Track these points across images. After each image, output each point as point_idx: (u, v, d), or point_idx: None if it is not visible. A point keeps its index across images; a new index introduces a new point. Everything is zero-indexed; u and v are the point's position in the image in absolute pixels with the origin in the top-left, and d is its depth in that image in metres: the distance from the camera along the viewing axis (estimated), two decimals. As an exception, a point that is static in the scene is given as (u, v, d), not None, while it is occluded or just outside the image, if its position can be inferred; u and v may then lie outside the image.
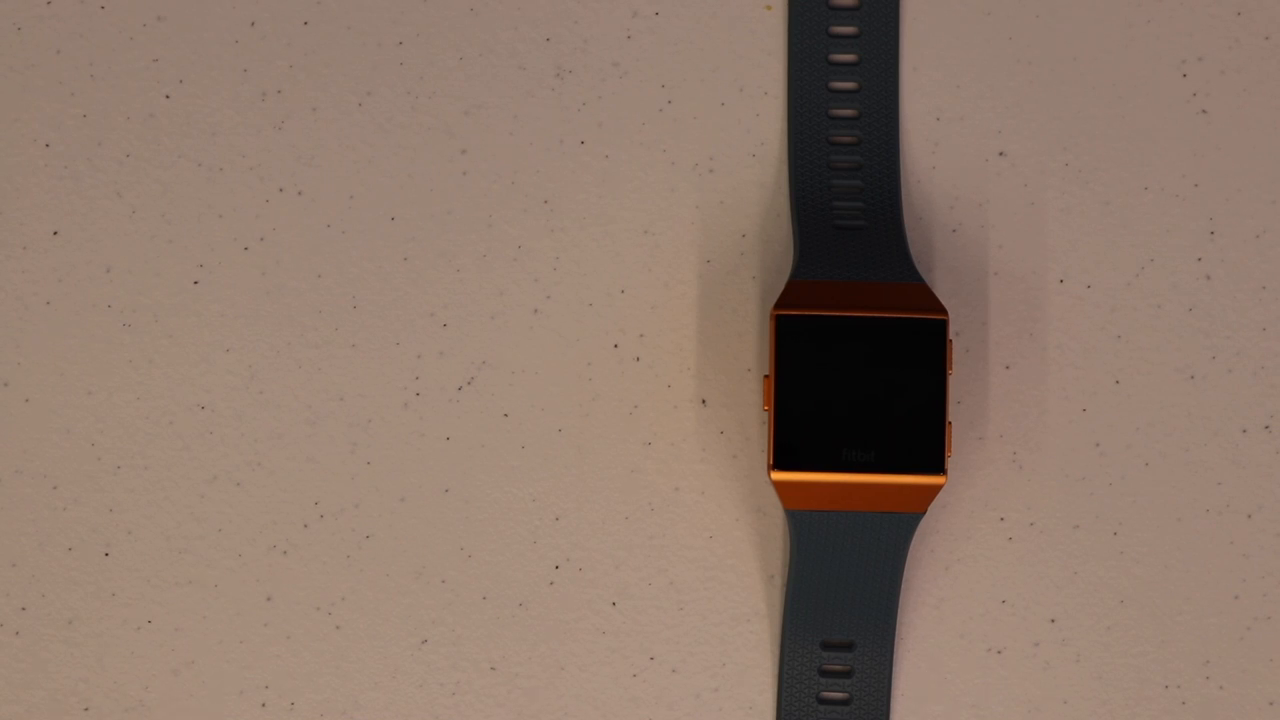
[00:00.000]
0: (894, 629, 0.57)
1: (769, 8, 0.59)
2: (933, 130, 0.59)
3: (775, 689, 0.58)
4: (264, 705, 0.58)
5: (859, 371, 0.54)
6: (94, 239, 0.58)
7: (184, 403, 0.58)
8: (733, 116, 0.59)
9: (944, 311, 0.55)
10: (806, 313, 0.55)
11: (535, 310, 0.58)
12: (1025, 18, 0.59)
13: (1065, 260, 0.58)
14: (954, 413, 0.58)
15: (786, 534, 0.58)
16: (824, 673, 0.57)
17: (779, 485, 0.54)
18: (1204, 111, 0.59)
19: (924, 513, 0.55)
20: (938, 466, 0.54)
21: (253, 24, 0.59)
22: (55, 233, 0.58)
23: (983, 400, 0.58)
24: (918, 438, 0.54)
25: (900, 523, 0.55)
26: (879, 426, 0.54)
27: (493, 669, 0.58)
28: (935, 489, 0.54)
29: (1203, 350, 0.58)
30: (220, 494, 0.58)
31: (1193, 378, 0.58)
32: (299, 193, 0.59)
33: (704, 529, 0.58)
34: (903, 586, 0.58)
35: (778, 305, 0.55)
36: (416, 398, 0.58)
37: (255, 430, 0.58)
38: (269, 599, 0.58)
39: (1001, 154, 0.59)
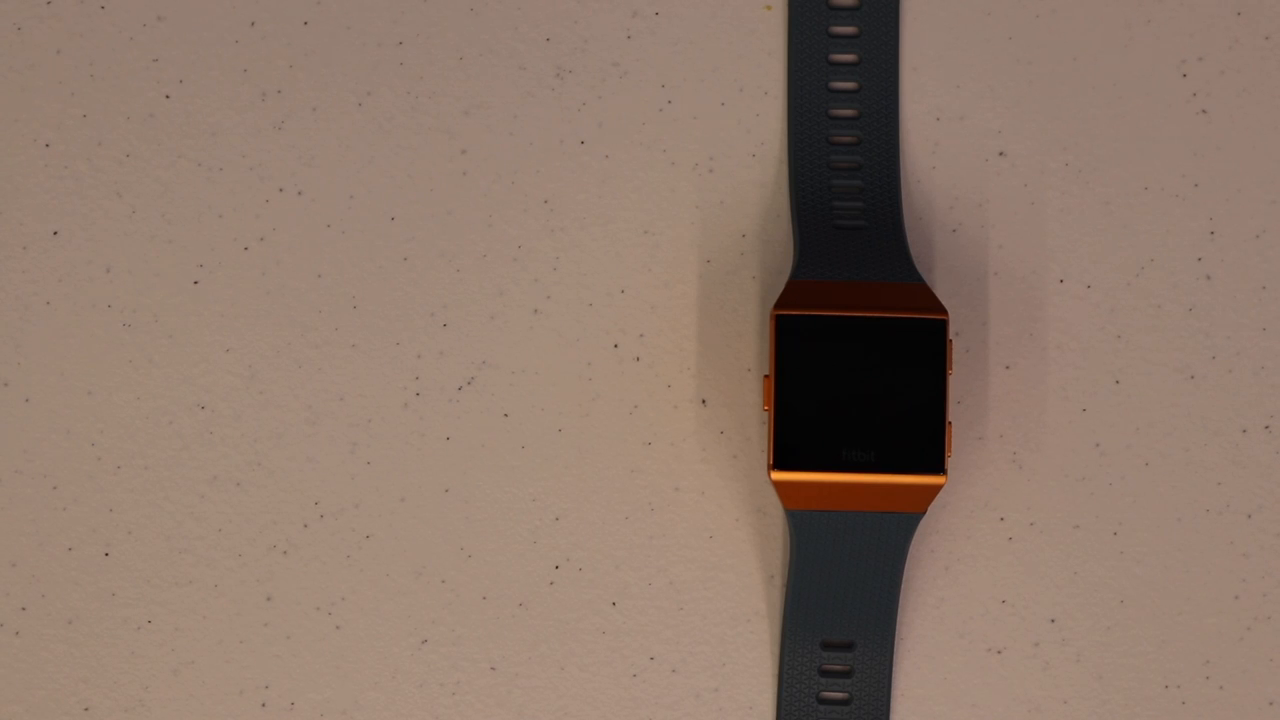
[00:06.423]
0: (894, 629, 0.57)
1: (769, 8, 0.59)
2: (933, 130, 0.59)
3: (775, 689, 0.58)
4: (264, 705, 0.58)
5: (859, 371, 0.54)
6: (94, 239, 0.58)
7: (184, 403, 0.58)
8: (733, 116, 0.59)
9: (944, 311, 0.55)
10: (806, 313, 0.55)
11: (535, 310, 0.58)
12: (1025, 18, 0.59)
13: (1065, 260, 0.58)
14: (954, 413, 0.58)
15: (786, 534, 0.58)
16: (824, 673, 0.57)
17: (779, 485, 0.54)
18: (1204, 111, 0.59)
19: (924, 513, 0.55)
20: (938, 466, 0.54)
21: (253, 24, 0.59)
22: (55, 233, 0.58)
23: (983, 400, 0.58)
24: (918, 438, 0.54)
25: (900, 523, 0.55)
26: (879, 426, 0.54)
27: (493, 669, 0.58)
28: (935, 489, 0.54)
29: (1203, 350, 0.58)
30: (220, 494, 0.58)
31: (1193, 378, 0.58)
32: (299, 193, 0.59)
33: (704, 529, 0.58)
34: (903, 586, 0.58)
35: (778, 305, 0.55)
36: (416, 398, 0.58)
37: (255, 430, 0.58)
38: (269, 599, 0.58)
39: (1001, 154, 0.59)
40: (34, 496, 0.58)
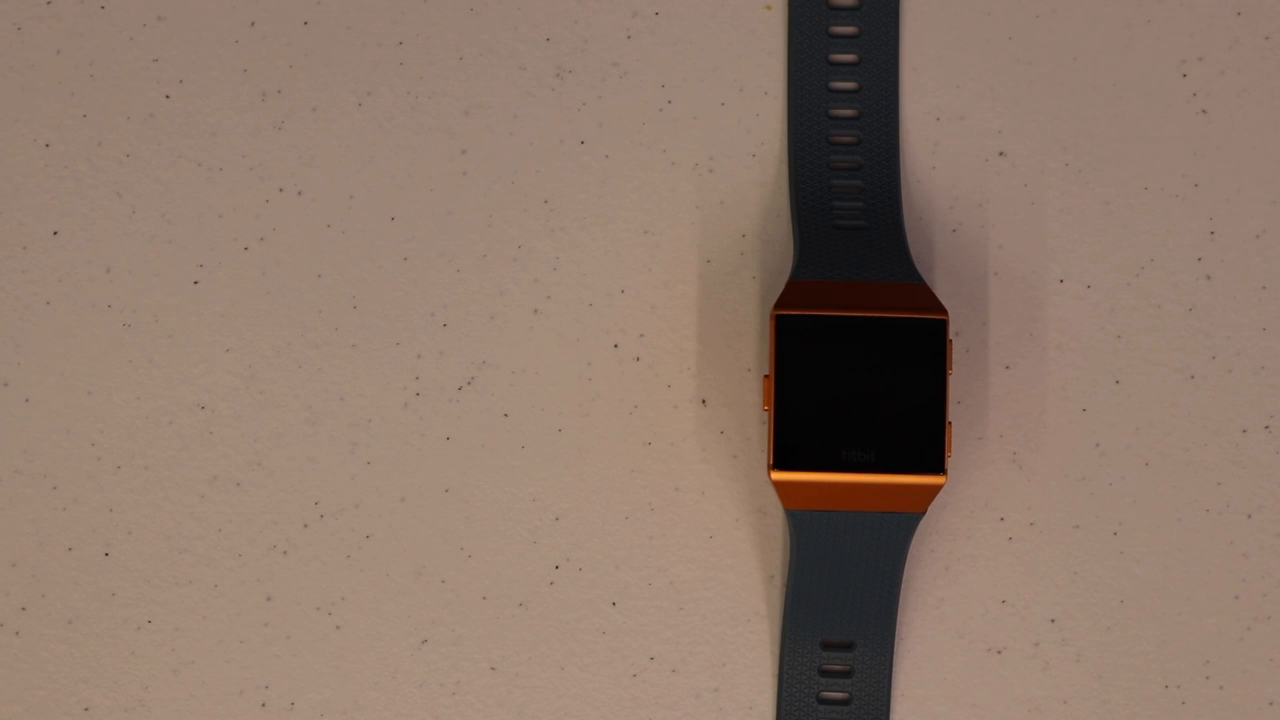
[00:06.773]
0: (894, 629, 0.57)
1: (769, 8, 0.59)
2: (933, 130, 0.59)
3: (775, 689, 0.58)
4: (264, 705, 0.58)
5: (859, 371, 0.54)
6: (94, 239, 0.58)
7: (184, 403, 0.58)
8: (733, 116, 0.59)
9: (944, 311, 0.55)
10: (806, 313, 0.55)
11: (535, 310, 0.58)
12: (1025, 18, 0.59)
13: (1065, 260, 0.58)
14: (954, 413, 0.58)
15: (786, 534, 0.58)
16: (824, 673, 0.57)
17: (779, 485, 0.54)
18: (1204, 111, 0.59)
19: (924, 513, 0.55)
20: (938, 466, 0.54)
21: (253, 24, 0.59)
22: (55, 233, 0.58)
23: (983, 400, 0.58)
24: (918, 438, 0.54)
25: (900, 523, 0.55)
26: (879, 426, 0.54)
27: (493, 669, 0.58)
28: (935, 489, 0.54)
29: (1203, 350, 0.58)
30: (220, 494, 0.58)
31: (1193, 378, 0.58)
32: (299, 193, 0.59)
33: (704, 529, 0.58)
34: (903, 586, 0.58)
35: (778, 305, 0.55)
36: (416, 398, 0.58)
37: (255, 430, 0.58)
38: (269, 599, 0.58)
39: (1001, 154, 0.59)
40: (34, 496, 0.58)
